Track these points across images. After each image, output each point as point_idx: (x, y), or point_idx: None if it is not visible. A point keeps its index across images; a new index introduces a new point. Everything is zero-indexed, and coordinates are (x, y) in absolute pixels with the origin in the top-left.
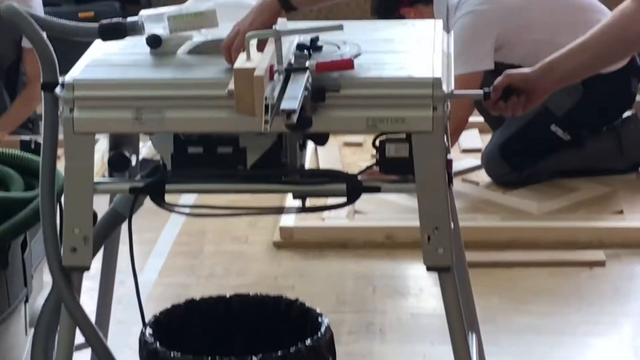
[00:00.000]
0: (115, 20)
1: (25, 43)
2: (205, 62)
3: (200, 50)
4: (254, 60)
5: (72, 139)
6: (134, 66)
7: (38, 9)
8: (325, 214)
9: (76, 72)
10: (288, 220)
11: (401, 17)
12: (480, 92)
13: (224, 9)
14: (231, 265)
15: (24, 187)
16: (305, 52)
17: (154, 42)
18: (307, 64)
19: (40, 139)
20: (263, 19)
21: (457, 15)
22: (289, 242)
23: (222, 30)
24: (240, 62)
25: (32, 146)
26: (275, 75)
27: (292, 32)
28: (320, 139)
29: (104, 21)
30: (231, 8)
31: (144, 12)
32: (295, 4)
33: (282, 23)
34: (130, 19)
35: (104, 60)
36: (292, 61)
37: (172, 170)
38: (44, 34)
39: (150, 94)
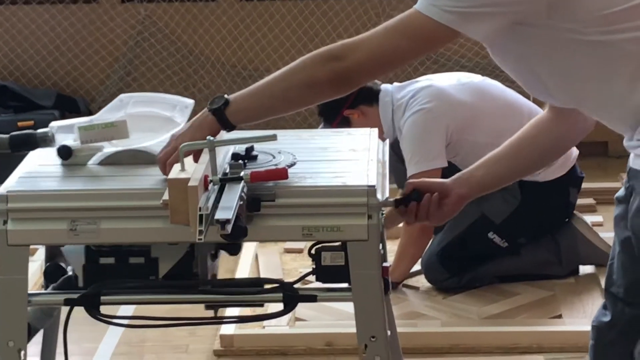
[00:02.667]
0: (26, 131)
1: None
2: (118, 173)
3: (112, 160)
4: (189, 171)
5: (6, 251)
6: (69, 177)
7: None
8: (266, 321)
9: (10, 184)
10: (228, 328)
11: (345, 119)
12: (391, 200)
13: (135, 119)
14: None
15: None
16: (240, 161)
17: (65, 153)
18: (242, 173)
19: None
20: (201, 137)
21: (405, 115)
22: (229, 350)
23: (133, 141)
24: (175, 172)
25: None
26: (210, 185)
27: (227, 142)
28: (233, 249)
29: (15, 133)
30: (142, 118)
31: (54, 124)
32: (234, 122)
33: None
34: (41, 130)
35: (39, 171)
36: (227, 171)
37: (109, 281)
38: None
39: (85, 205)
